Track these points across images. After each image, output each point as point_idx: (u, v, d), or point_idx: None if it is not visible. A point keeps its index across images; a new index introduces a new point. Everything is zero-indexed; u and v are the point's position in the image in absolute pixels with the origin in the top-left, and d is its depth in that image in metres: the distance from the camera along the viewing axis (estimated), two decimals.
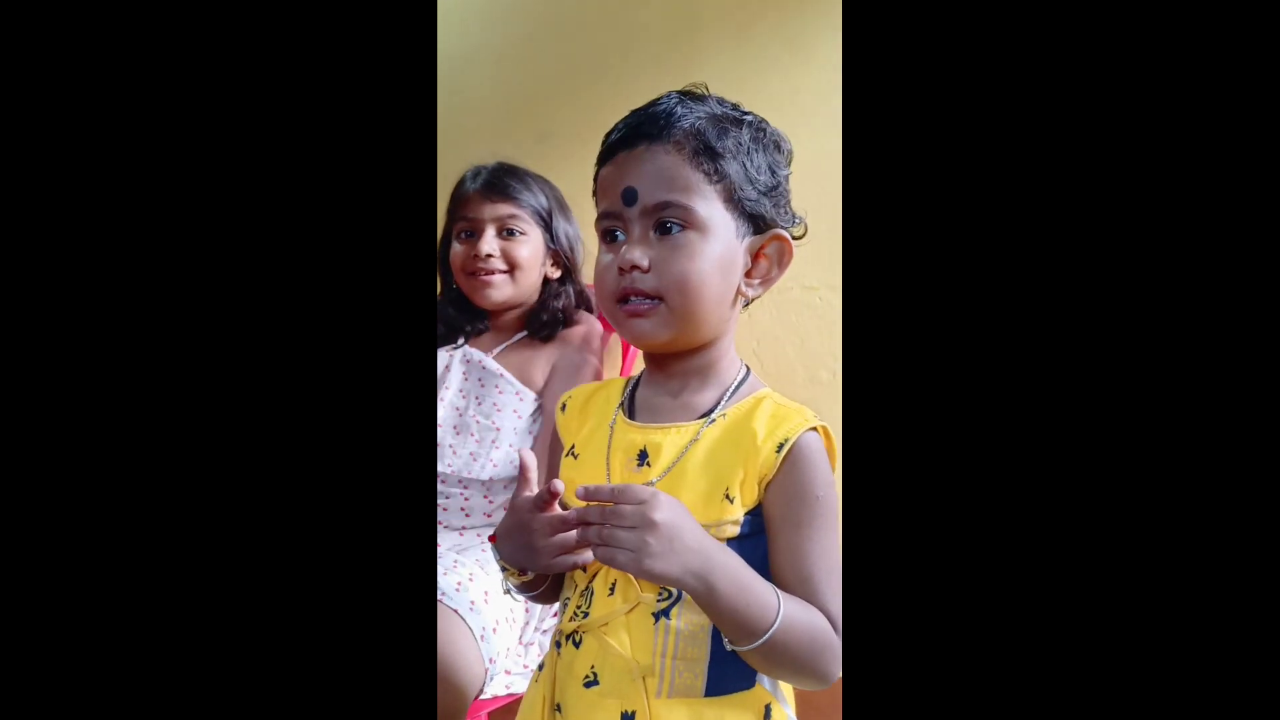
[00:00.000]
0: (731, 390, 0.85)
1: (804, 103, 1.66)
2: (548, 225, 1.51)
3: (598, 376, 1.45)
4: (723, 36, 1.73)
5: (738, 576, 0.73)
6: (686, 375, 0.85)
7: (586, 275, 1.53)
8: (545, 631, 1.36)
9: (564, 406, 0.95)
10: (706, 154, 0.80)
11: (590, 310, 1.55)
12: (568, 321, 1.50)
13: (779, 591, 0.74)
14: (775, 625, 0.72)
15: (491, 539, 0.84)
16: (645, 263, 0.79)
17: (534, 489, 0.80)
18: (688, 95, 0.85)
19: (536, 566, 0.80)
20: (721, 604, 0.71)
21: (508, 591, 0.87)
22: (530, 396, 1.45)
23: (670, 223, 0.79)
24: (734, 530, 0.78)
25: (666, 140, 0.80)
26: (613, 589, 0.80)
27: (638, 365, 1.76)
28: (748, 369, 0.87)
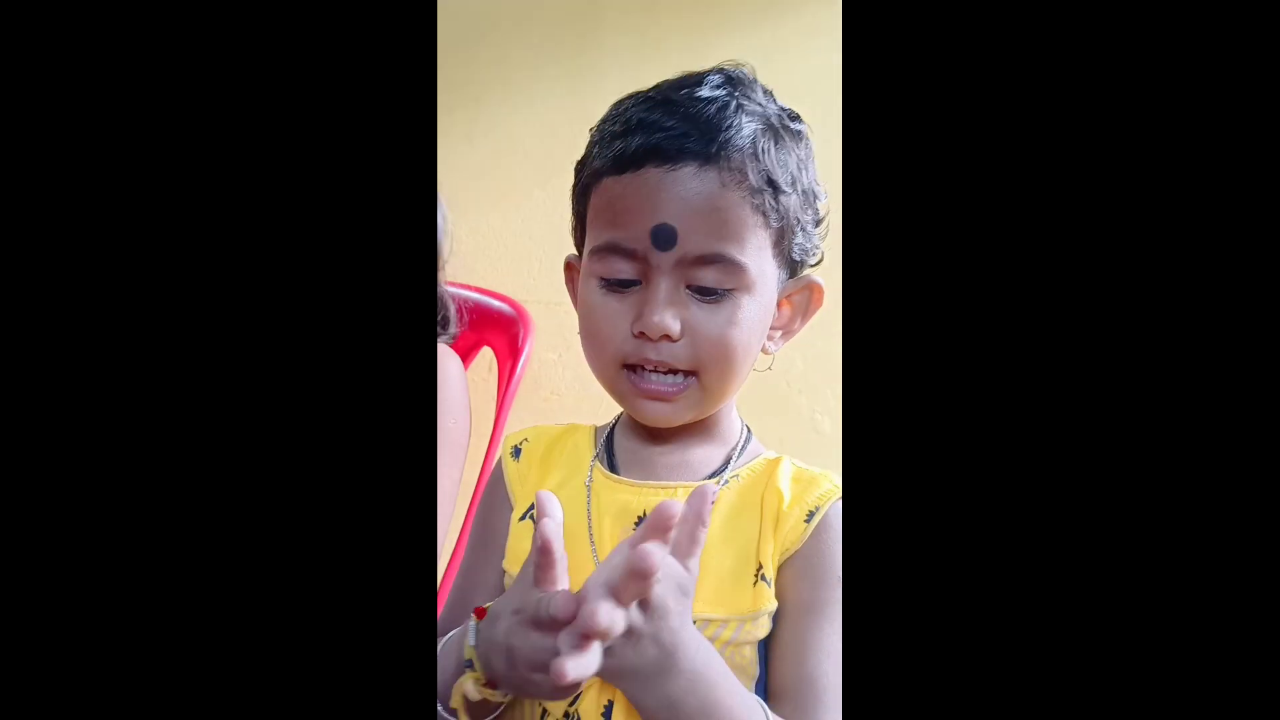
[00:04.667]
0: (739, 450, 0.69)
1: None
2: None
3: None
4: (625, 34, 1.56)
5: (712, 675, 0.54)
6: (681, 430, 0.68)
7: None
8: None
9: (516, 451, 0.73)
10: (770, 189, 0.61)
11: (447, 327, 1.19)
12: None
13: (766, 708, 0.56)
14: None
15: (478, 613, 0.57)
16: (678, 328, 0.60)
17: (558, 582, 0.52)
18: (737, 84, 0.64)
19: (510, 685, 0.55)
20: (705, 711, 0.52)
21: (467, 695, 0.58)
22: None
23: (713, 282, 0.60)
24: (768, 627, 0.61)
25: (723, 164, 0.59)
26: (608, 710, 0.60)
27: (531, 394, 1.58)
28: (748, 428, 0.72)
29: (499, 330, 1.33)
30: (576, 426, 0.74)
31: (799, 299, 0.68)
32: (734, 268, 0.60)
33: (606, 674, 0.49)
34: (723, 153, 0.59)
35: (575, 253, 0.70)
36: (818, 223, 0.67)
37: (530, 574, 0.52)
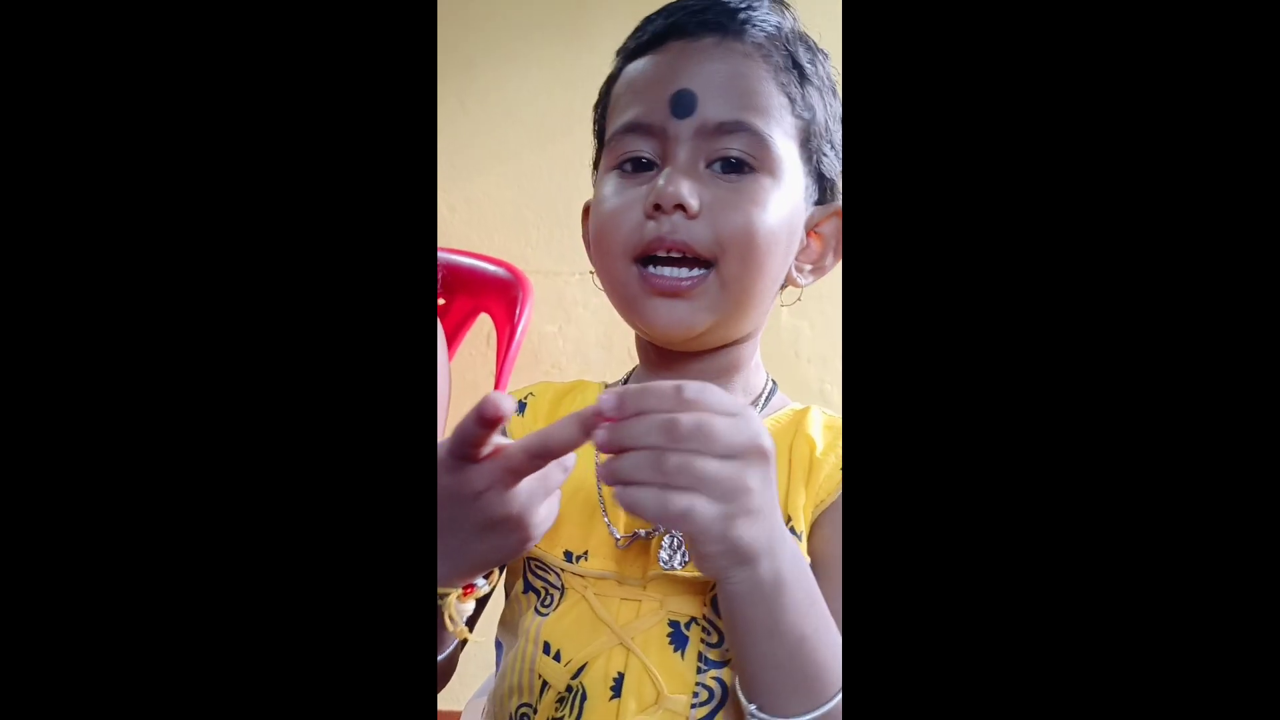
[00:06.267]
0: (764, 400, 0.64)
1: None
2: None
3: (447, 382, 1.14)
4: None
5: (808, 582, 0.49)
6: (703, 379, 0.62)
7: None
8: None
9: (521, 406, 0.66)
10: (796, 71, 0.59)
11: None
12: None
13: None
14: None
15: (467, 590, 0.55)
16: (696, 202, 0.55)
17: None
18: None
19: (506, 549, 0.51)
20: (786, 625, 0.47)
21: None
22: None
23: (737, 154, 0.56)
24: None
25: (745, 39, 0.58)
26: (617, 685, 0.54)
27: (531, 368, 1.54)
28: (774, 380, 0.67)
29: (496, 295, 1.29)
30: (585, 382, 0.69)
31: (829, 231, 0.63)
32: (757, 140, 0.56)
33: (668, 514, 0.44)
34: (746, 28, 0.58)
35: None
36: (839, 149, 0.63)
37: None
